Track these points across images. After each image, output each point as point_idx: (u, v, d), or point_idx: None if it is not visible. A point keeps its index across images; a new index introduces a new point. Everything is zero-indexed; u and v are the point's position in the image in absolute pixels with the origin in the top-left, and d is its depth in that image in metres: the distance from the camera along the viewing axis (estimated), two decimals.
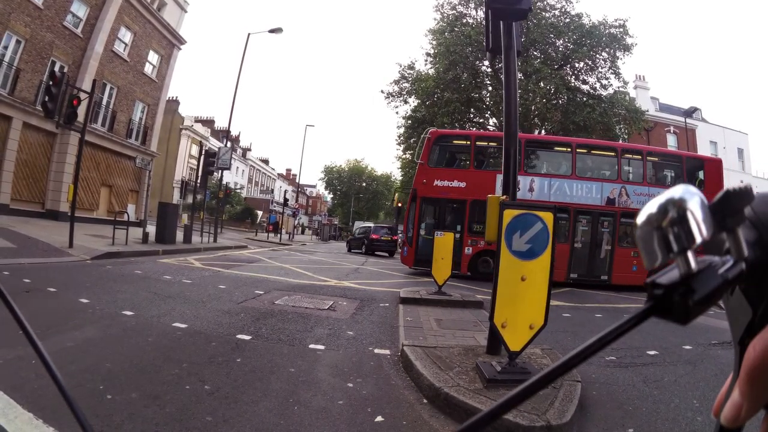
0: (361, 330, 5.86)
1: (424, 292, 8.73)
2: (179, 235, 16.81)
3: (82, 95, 12.43)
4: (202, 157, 20.57)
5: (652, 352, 5.65)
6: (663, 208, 0.34)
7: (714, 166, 14.91)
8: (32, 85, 18.62)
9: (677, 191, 0.35)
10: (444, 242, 8.64)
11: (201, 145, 24.86)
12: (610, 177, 14.73)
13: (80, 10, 20.61)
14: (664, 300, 0.33)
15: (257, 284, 9.01)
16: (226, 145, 21.51)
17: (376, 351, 4.93)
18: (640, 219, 0.35)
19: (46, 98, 10.91)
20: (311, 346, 4.86)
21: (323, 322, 6.08)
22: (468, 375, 3.85)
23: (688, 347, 6.12)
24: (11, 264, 7.94)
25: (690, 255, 0.33)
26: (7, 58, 17.66)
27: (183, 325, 5.21)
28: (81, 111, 20.33)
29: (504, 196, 4.59)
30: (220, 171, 21.61)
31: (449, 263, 8.55)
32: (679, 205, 0.34)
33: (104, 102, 22.80)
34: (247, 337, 4.94)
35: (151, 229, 15.82)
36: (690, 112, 36.36)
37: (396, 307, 7.63)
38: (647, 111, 29.81)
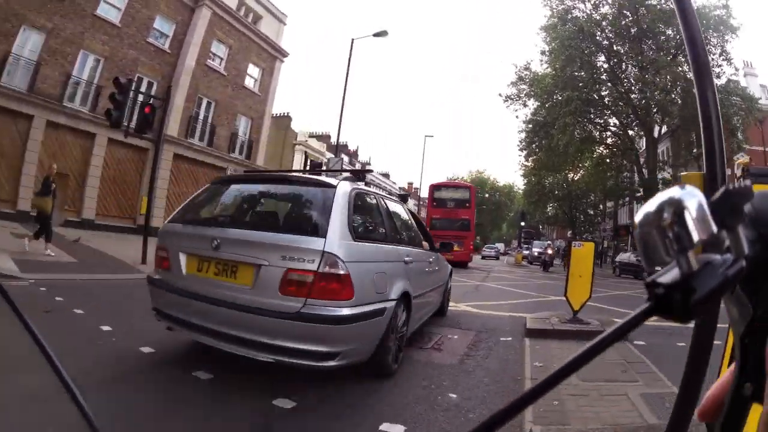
0: (470, 388, 3.94)
1: (555, 319, 6.79)
2: None
3: (157, 102, 11.61)
4: (307, 168, 19.60)
5: None
6: (662, 208, 0.34)
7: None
8: None
9: (676, 190, 0.34)
10: (582, 255, 6.53)
11: (305, 155, 24.16)
12: None
13: (165, 27, 20.81)
14: (664, 299, 0.32)
15: None
16: (336, 157, 20.47)
17: None
18: (639, 219, 0.35)
19: (111, 107, 10.20)
20: (384, 428, 2.94)
21: (419, 374, 4.18)
22: None
23: None
24: (58, 279, 6.94)
25: (690, 254, 0.33)
26: (85, 76, 17.95)
27: (206, 376, 3.55)
28: (175, 122, 20.69)
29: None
30: None
31: (589, 282, 6.43)
32: (678, 204, 0.33)
33: (201, 116, 22.80)
34: (288, 406, 3.13)
35: None
36: None
37: (521, 342, 5.79)
38: (760, 99, 26.59)
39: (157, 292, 3.80)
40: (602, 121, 30.51)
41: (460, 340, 5.81)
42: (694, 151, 29.40)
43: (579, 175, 39.67)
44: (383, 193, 5.28)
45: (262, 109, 26.49)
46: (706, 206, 0.33)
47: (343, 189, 3.68)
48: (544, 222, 56.89)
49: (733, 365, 0.40)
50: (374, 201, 4.46)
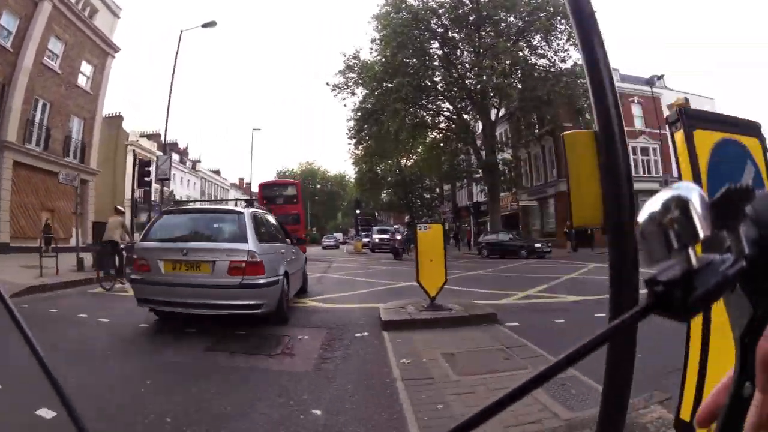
0: (335, 400, 3.64)
1: (411, 308, 6.72)
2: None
3: None
4: (135, 168, 17.75)
5: None
6: (665, 206, 0.34)
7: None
8: None
9: (678, 189, 0.35)
10: (431, 238, 6.74)
11: (134, 155, 22.61)
12: None
13: (10, 23, 18.55)
14: (664, 296, 0.32)
15: (193, 317, 6.06)
16: (165, 154, 19.14)
17: None
18: (642, 216, 0.35)
19: None
20: None
21: (272, 388, 3.88)
22: None
23: None
24: None
25: (691, 252, 0.33)
26: None
27: (50, 414, 3.20)
28: (13, 127, 18.33)
29: None
30: (161, 183, 19.32)
31: (442, 265, 6.62)
32: (681, 203, 0.34)
33: (37, 120, 20.55)
34: None
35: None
36: (651, 81, 35.26)
37: (379, 337, 5.59)
38: None
39: (141, 287, 5.90)
40: (435, 107, 30.83)
41: (312, 340, 5.57)
42: (536, 131, 31.51)
43: (412, 160, 40.52)
44: (263, 210, 8.18)
45: (94, 108, 24.91)
46: (708, 205, 0.34)
47: (248, 212, 6.29)
48: (380, 209, 57.44)
49: (731, 369, 0.41)
50: (260, 216, 7.04)
